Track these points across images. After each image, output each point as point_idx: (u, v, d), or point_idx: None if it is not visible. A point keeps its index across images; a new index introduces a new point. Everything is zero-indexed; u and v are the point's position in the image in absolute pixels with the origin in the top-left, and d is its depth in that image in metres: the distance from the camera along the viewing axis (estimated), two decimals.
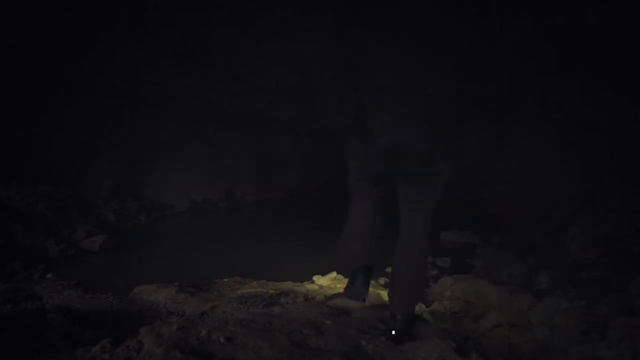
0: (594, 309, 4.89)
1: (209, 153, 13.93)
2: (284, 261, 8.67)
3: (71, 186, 9.99)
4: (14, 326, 3.18)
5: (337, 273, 5.26)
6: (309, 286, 5.91)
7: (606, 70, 6.71)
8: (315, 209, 16.00)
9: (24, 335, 3.35)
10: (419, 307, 5.17)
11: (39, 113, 9.36)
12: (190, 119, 12.73)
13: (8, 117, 8.82)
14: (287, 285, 5.98)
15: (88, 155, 10.70)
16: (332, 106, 11.03)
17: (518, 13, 5.97)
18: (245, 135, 14.91)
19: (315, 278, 6.27)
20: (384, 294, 5.59)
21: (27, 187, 8.91)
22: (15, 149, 9.09)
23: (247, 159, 15.27)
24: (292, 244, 10.53)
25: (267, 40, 7.73)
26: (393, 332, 3.62)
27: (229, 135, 14.31)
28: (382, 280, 7.34)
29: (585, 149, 7.80)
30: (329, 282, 6.02)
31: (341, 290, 5.03)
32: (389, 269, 8.11)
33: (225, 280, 6.37)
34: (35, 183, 9.09)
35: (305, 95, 11.85)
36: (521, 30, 6.31)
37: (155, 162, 12.47)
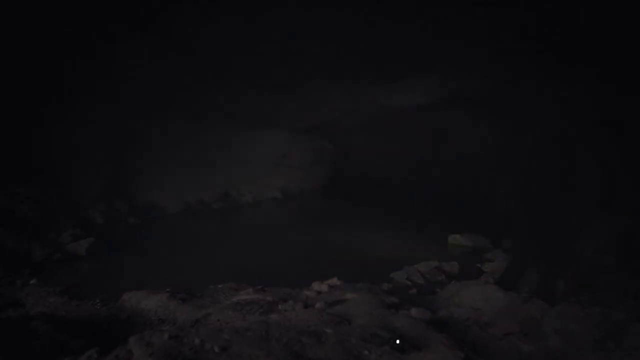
0: (610, 316, 4.87)
1: (203, 152, 13.94)
2: (282, 266, 8.68)
3: (57, 187, 9.96)
4: None
5: None
6: (308, 292, 5.90)
7: (622, 72, 6.75)
8: (315, 210, 16.04)
9: (6, 344, 3.36)
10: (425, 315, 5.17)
11: (25, 112, 9.36)
12: (184, 117, 12.73)
13: None
14: (285, 291, 5.97)
15: (75, 154, 10.67)
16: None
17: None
18: (242, 134, 14.93)
19: (314, 284, 6.26)
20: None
21: (10, 187, 8.89)
22: None
23: (243, 159, 15.30)
24: (290, 247, 10.54)
25: (268, 39, 7.79)
26: (397, 341, 3.62)
27: (224, 134, 14.33)
28: (385, 287, 7.35)
29: (600, 147, 7.81)
30: (329, 289, 6.01)
31: (342, 297, 5.05)
32: (393, 274, 8.16)
33: (220, 286, 6.35)
34: (19, 183, 9.07)
35: (304, 93, 11.89)
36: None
37: (146, 162, 12.44)
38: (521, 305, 5.69)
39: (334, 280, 6.25)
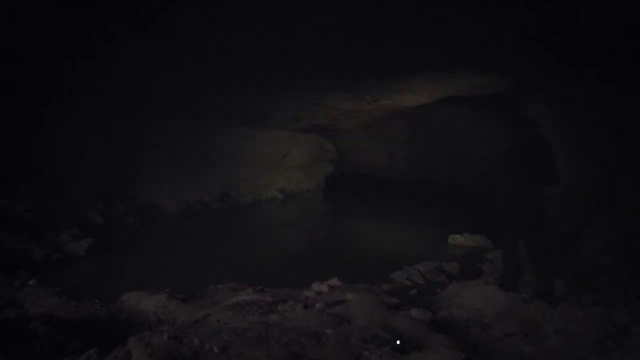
0: (612, 317, 4.86)
1: (203, 152, 13.94)
2: (282, 266, 8.69)
3: (57, 187, 9.97)
4: None
5: None
6: (307, 293, 5.90)
7: (622, 72, 6.76)
8: (314, 210, 16.05)
9: (5, 345, 3.35)
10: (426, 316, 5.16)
11: (25, 112, 9.37)
12: (184, 117, 12.73)
13: None
14: (284, 291, 5.97)
15: (75, 154, 10.68)
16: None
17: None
18: (242, 134, 14.93)
19: (314, 284, 6.26)
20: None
21: (9, 187, 8.89)
22: None
23: (243, 159, 15.30)
24: (289, 247, 10.55)
25: (268, 39, 7.79)
26: (398, 342, 3.62)
27: (224, 134, 14.34)
28: (385, 287, 7.35)
29: (600, 147, 7.82)
30: (329, 289, 6.01)
31: (342, 298, 5.04)
32: (393, 275, 8.16)
33: (219, 286, 6.35)
34: (18, 183, 9.07)
35: (304, 93, 11.89)
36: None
37: (145, 162, 12.46)
38: (522, 305, 5.69)
39: (334, 281, 6.25)
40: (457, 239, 10.90)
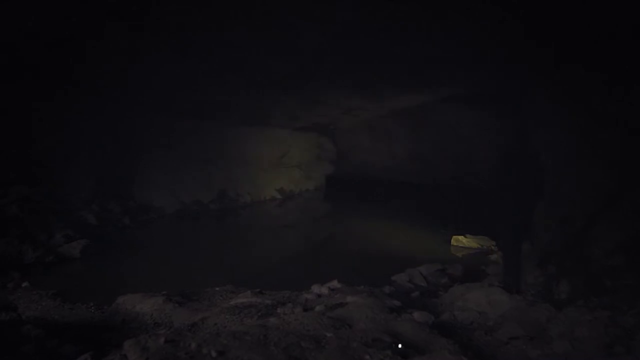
0: (619, 321, 4.85)
1: (201, 152, 13.94)
2: (281, 268, 8.68)
3: (48, 186, 9.94)
4: None
5: None
6: (307, 295, 5.89)
7: (624, 71, 6.76)
8: (314, 210, 16.06)
9: None
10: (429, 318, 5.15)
11: (19, 111, 9.35)
12: (181, 114, 12.72)
13: None
14: (283, 294, 5.96)
15: (69, 154, 10.67)
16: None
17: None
18: (240, 134, 14.92)
19: (314, 287, 6.26)
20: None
21: (1, 187, 8.87)
22: None
23: (241, 158, 15.30)
24: (289, 249, 10.55)
25: (268, 37, 7.79)
26: (399, 346, 3.62)
27: (222, 133, 14.33)
28: (387, 289, 7.34)
29: (608, 146, 7.81)
30: (329, 291, 6.00)
31: (343, 300, 5.03)
32: (395, 277, 8.16)
33: (217, 289, 6.35)
34: (8, 183, 9.05)
35: (304, 92, 11.89)
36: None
37: (141, 161, 12.45)
38: (526, 308, 5.68)
39: (334, 283, 6.24)
40: (460, 240, 10.89)
